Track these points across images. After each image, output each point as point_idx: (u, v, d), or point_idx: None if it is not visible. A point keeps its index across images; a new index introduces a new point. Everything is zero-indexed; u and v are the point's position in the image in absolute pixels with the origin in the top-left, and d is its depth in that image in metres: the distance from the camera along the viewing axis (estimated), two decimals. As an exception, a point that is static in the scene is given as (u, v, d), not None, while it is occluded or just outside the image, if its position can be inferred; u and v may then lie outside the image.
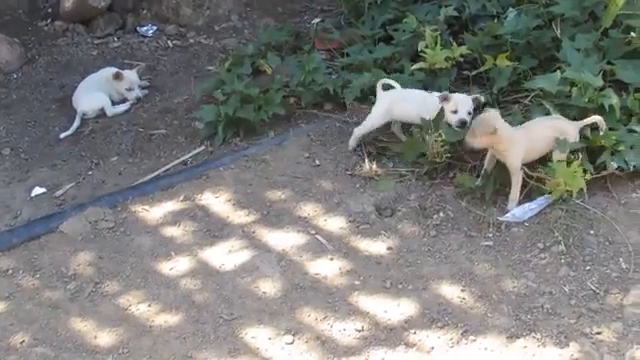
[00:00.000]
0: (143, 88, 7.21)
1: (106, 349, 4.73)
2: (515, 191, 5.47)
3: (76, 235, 5.50)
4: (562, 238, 5.17)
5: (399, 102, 6.01)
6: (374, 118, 6.08)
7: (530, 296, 4.86)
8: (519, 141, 5.41)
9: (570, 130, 5.49)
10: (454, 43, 6.36)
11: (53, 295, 5.07)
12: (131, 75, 7.07)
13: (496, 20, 6.79)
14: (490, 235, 5.31)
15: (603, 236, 5.18)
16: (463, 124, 5.68)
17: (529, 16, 6.57)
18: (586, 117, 5.54)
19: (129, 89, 7.03)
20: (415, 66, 6.08)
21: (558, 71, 5.92)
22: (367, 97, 6.41)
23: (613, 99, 5.55)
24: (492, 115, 5.45)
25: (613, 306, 4.74)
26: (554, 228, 5.25)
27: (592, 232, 5.21)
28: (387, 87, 6.13)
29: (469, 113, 5.71)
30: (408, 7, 7.27)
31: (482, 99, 5.86)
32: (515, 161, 5.42)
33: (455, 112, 5.71)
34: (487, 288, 4.93)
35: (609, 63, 5.99)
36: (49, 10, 8.61)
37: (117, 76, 7.01)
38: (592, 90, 5.63)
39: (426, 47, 6.20)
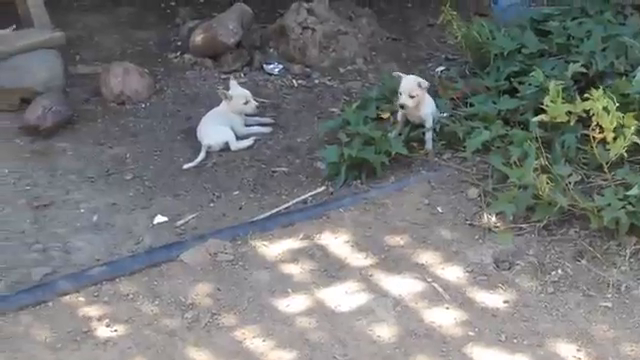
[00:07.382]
0: (266, 125, 7.32)
1: (220, 381, 4.79)
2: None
3: (196, 265, 5.56)
4: (686, 304, 5.09)
5: None
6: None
7: (649, 362, 4.78)
8: None
9: None
10: (578, 98, 6.30)
11: (171, 323, 5.13)
12: (239, 90, 7.34)
13: (624, 78, 6.73)
14: (609, 296, 5.22)
15: None
16: (402, 107, 6.65)
17: (659, 75, 6.51)
18: None
19: (245, 102, 7.21)
20: (536, 118, 6.05)
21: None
22: (489, 150, 6.44)
23: None
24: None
25: None
26: (677, 292, 5.17)
27: None
28: None
29: (411, 97, 6.56)
30: (534, 61, 7.24)
31: (426, 83, 6.68)
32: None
33: (400, 94, 6.60)
34: (604, 350, 4.84)
35: None
36: (179, 43, 8.81)
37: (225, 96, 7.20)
38: None
39: (551, 102, 6.18)
